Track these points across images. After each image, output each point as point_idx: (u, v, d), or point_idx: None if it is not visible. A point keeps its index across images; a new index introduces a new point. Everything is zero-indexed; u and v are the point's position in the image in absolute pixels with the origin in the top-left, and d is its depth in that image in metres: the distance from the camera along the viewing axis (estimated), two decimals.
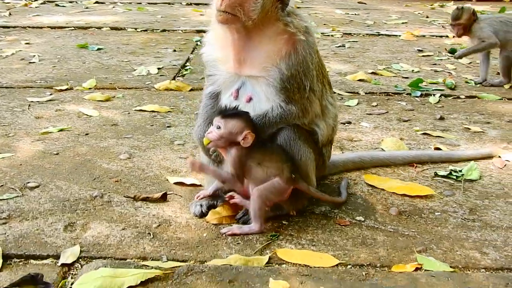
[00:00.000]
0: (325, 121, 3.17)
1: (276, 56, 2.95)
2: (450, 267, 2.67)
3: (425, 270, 2.64)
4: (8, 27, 8.23)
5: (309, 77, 3.00)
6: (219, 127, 2.92)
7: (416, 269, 2.65)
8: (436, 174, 3.64)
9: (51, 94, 5.12)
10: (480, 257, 2.75)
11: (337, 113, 3.31)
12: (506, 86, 5.60)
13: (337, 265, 2.68)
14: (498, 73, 5.80)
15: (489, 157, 3.90)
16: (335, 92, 4.37)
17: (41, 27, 8.30)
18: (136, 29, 8.32)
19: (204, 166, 3.04)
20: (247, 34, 2.95)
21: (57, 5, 10.49)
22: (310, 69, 3.00)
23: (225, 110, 2.99)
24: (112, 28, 8.32)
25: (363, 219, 3.09)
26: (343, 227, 3.02)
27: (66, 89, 5.28)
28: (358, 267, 2.67)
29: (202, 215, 3.09)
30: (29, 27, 8.30)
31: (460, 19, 5.54)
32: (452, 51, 5.42)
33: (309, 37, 3.02)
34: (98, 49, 6.95)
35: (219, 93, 3.18)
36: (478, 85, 5.68)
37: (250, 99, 3.04)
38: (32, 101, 4.91)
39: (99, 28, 8.32)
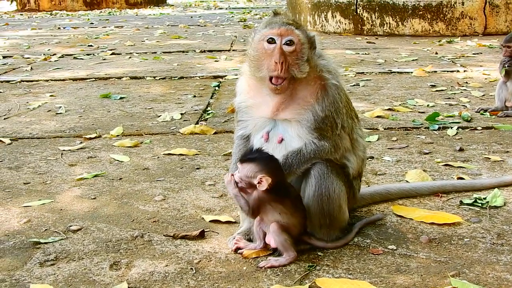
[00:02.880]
0: (355, 154, 3.32)
1: (310, 100, 3.11)
2: None
3: None
4: (32, 81, 8.49)
5: (340, 115, 3.16)
6: (239, 171, 3.07)
7: None
8: (461, 203, 3.75)
9: (81, 143, 5.31)
10: None
11: (365, 145, 3.46)
12: None
13: None
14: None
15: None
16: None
17: (63, 80, 8.54)
18: (154, 77, 8.54)
19: (228, 185, 3.10)
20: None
21: (75, 58, 10.78)
22: (340, 108, 3.17)
23: (245, 154, 3.13)
24: (132, 78, 8.55)
25: (395, 248, 3.19)
26: (377, 256, 3.12)
27: (95, 137, 5.47)
28: None
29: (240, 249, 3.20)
30: (51, 80, 8.54)
31: None
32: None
33: (337, 78, 3.19)
34: (121, 98, 7.16)
35: (250, 135, 3.33)
36: (493, 116, 5.80)
37: (281, 140, 3.19)
38: (64, 150, 5.09)
39: (119, 78, 8.56)
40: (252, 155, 3.09)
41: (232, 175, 3.10)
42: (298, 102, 3.14)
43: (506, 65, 5.79)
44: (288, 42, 3.03)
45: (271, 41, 3.04)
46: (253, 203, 3.03)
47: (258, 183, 3.00)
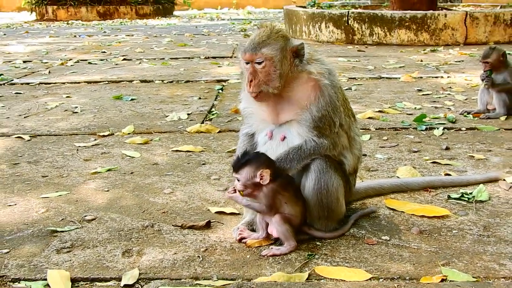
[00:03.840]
0: (351, 152, 3.25)
1: (306, 102, 3.05)
2: (473, 277, 2.70)
3: (450, 280, 2.67)
4: (49, 83, 8.40)
5: (337, 113, 3.09)
6: (238, 180, 3.00)
7: (442, 280, 2.67)
8: (449, 197, 3.68)
9: (95, 140, 5.23)
10: (499, 268, 2.78)
11: (361, 142, 3.40)
12: (502, 118, 5.66)
13: (370, 279, 2.71)
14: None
15: (496, 180, 3.94)
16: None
17: (79, 82, 8.46)
18: (163, 81, 8.46)
19: (236, 198, 3.05)
20: (278, 94, 3.06)
21: (90, 63, 10.68)
22: (338, 106, 3.10)
23: (235, 164, 3.04)
24: (142, 81, 8.47)
25: (388, 239, 3.13)
26: (371, 246, 3.05)
27: (108, 135, 5.39)
28: (389, 280, 2.70)
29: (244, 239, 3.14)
30: (67, 82, 8.46)
31: (489, 58, 5.63)
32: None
33: (332, 78, 3.12)
34: (132, 99, 7.08)
35: (255, 133, 3.28)
36: (476, 118, 5.73)
37: (284, 138, 3.13)
38: (79, 146, 5.02)
39: (130, 81, 8.47)
40: (242, 160, 3.01)
41: (231, 188, 3.05)
42: (295, 104, 3.08)
43: (484, 82, 5.73)
44: (258, 62, 3.02)
45: (246, 62, 3.06)
46: (268, 198, 2.96)
47: (261, 179, 2.94)
